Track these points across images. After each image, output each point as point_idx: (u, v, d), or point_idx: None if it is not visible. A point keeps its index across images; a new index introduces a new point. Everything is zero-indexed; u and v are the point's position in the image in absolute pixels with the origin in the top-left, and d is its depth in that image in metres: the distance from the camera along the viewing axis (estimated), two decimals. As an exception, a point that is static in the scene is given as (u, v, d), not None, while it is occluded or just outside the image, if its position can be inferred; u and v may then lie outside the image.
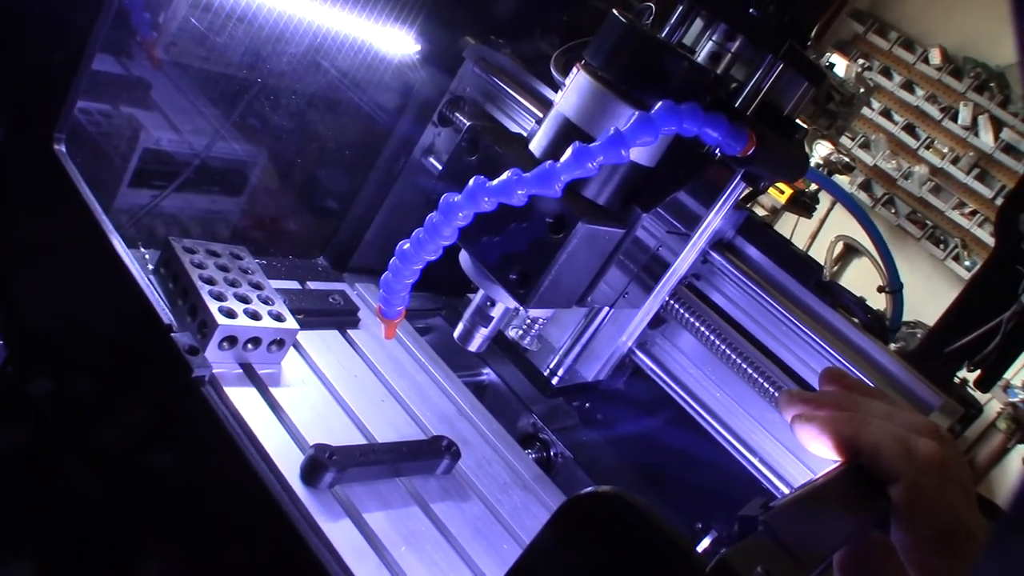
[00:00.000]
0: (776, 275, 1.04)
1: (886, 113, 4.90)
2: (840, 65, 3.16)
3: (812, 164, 3.97)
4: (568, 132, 0.83)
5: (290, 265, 1.25)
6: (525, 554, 0.47)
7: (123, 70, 1.35)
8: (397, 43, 1.21)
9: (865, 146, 4.88)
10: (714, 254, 1.05)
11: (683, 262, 1.01)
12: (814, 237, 4.23)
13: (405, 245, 0.83)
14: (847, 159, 3.69)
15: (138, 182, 1.35)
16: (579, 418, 1.32)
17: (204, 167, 1.39)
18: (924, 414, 0.93)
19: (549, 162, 0.75)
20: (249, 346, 1.00)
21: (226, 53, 1.30)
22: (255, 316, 1.00)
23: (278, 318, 1.02)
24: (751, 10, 0.86)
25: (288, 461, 0.90)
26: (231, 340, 0.98)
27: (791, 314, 1.01)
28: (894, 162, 4.81)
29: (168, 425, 0.85)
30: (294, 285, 1.21)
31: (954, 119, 4.68)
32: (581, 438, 1.31)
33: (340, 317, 1.18)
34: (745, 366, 1.03)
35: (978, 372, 1.03)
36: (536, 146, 0.86)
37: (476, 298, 0.93)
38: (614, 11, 0.83)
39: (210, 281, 1.01)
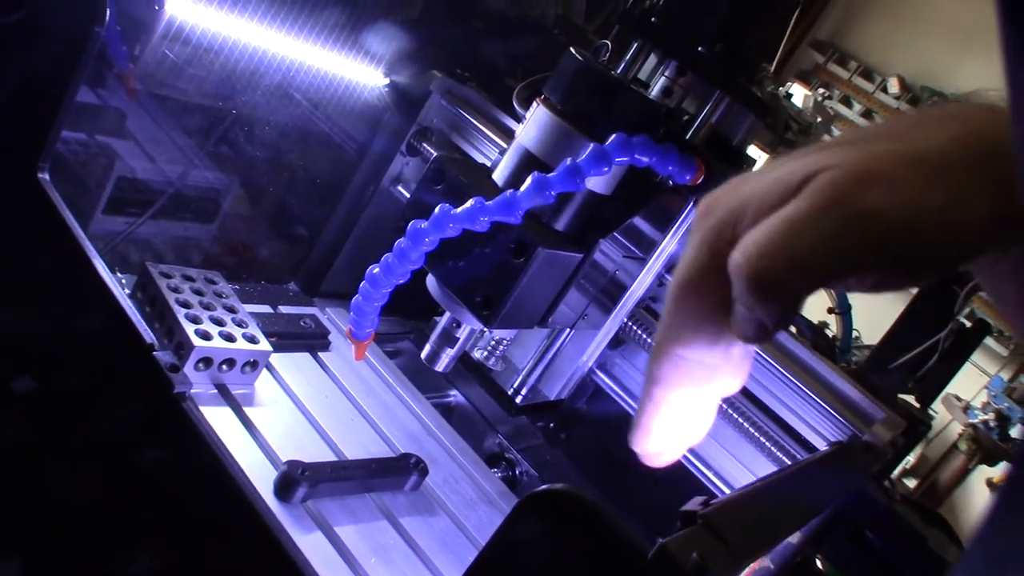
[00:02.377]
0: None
1: (846, 141, 5.00)
2: (799, 94, 3.26)
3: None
4: (528, 163, 0.88)
5: (262, 290, 1.29)
6: (485, 550, 0.51)
7: (99, 100, 1.39)
8: (367, 76, 1.26)
9: (826, 173, 4.98)
10: (669, 277, 1.10)
11: (640, 285, 1.06)
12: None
13: (375, 269, 0.88)
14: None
15: (112, 209, 1.39)
16: (544, 438, 1.36)
17: (177, 195, 1.42)
18: (867, 426, 0.99)
19: (511, 191, 0.80)
20: (224, 367, 1.03)
21: (201, 84, 1.34)
22: (229, 338, 1.04)
23: (252, 340, 1.06)
24: (700, 48, 0.92)
25: (262, 477, 0.94)
26: (206, 361, 1.01)
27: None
28: (855, 189, 4.91)
29: (150, 439, 0.89)
30: (266, 309, 1.25)
31: (912, 147, 4.80)
32: (546, 456, 1.35)
33: (311, 340, 1.22)
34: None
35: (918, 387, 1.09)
36: (499, 176, 0.91)
37: (442, 320, 0.98)
38: (571, 49, 0.89)
39: (186, 304, 1.05)
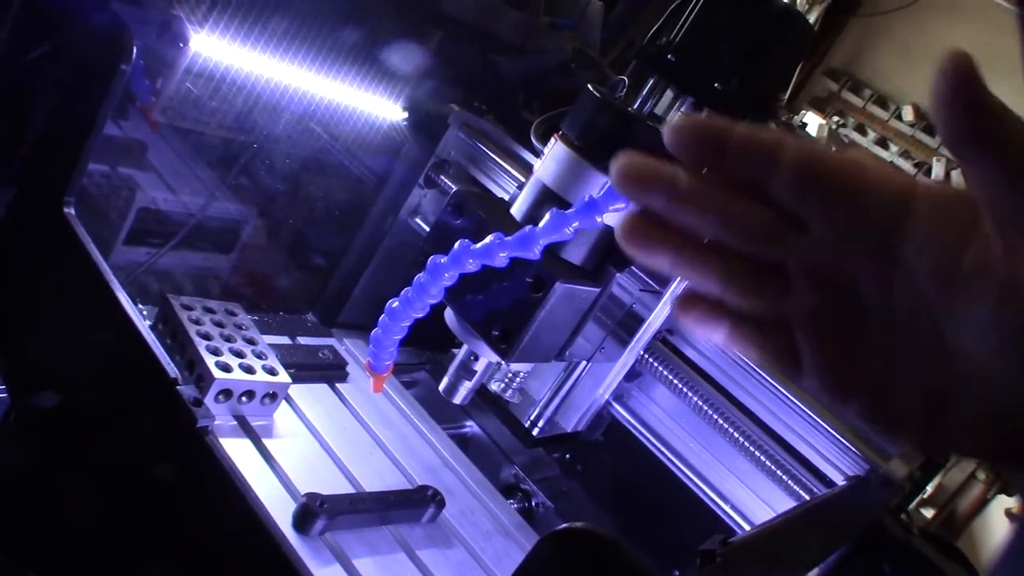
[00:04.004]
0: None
1: (861, 169, 5.01)
2: (813, 123, 3.27)
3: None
4: (546, 198, 0.89)
5: (281, 321, 1.30)
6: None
7: (121, 132, 1.41)
8: (385, 109, 1.27)
9: (842, 200, 4.98)
10: (686, 310, 1.11)
11: (656, 317, 1.06)
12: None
13: (394, 303, 0.89)
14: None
15: (134, 240, 1.41)
16: (560, 469, 1.37)
17: (198, 226, 1.44)
18: (884, 460, 0.98)
19: (529, 227, 0.81)
20: (244, 399, 1.04)
21: (222, 118, 1.36)
22: (249, 370, 1.05)
23: (271, 372, 1.07)
24: (716, 84, 0.93)
25: (281, 509, 0.94)
26: (226, 393, 1.02)
27: (758, 366, 1.06)
28: (870, 216, 4.91)
29: (172, 472, 0.90)
30: (285, 340, 1.26)
31: (928, 174, 4.80)
32: (562, 488, 1.35)
33: (329, 371, 1.23)
34: (716, 416, 1.08)
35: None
36: (517, 210, 0.92)
37: (460, 353, 0.98)
38: (589, 86, 0.90)
39: (206, 336, 1.06)
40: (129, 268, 1.42)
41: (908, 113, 4.94)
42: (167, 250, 1.30)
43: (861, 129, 5.10)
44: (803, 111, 4.31)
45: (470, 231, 0.88)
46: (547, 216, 0.81)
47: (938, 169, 4.76)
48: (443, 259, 0.83)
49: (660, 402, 1.17)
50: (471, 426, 1.39)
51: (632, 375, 1.16)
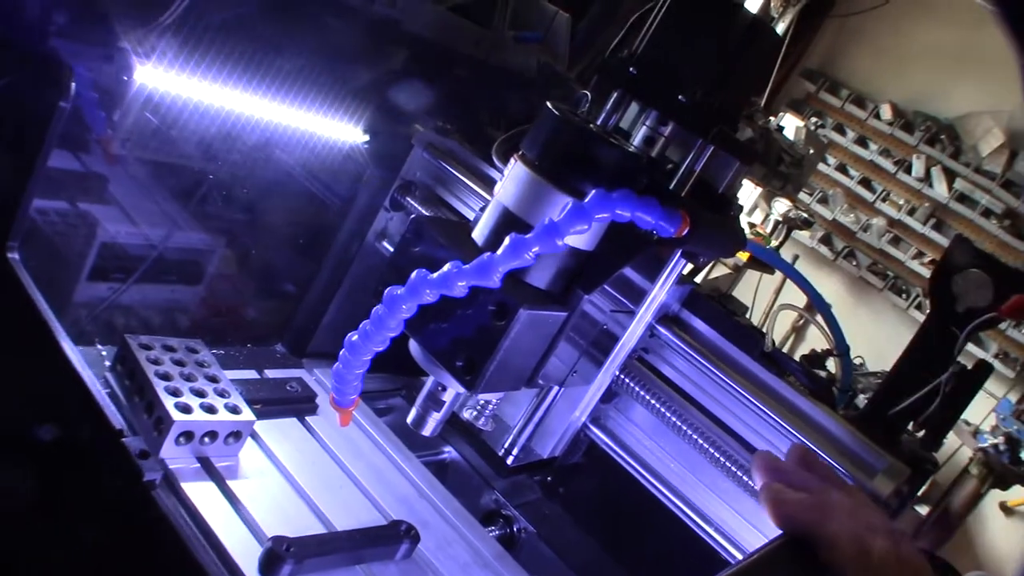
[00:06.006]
0: (722, 346, 1.07)
1: (842, 168, 5.00)
2: (791, 125, 3.23)
3: (772, 221, 4.04)
4: (507, 221, 0.85)
5: (248, 353, 1.27)
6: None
7: (81, 166, 1.38)
8: (347, 133, 1.24)
9: (823, 201, 4.97)
10: (661, 328, 1.08)
11: (631, 337, 1.03)
12: (778, 292, 4.29)
13: (353, 337, 0.85)
14: (806, 215, 3.75)
15: (97, 276, 1.37)
16: (542, 492, 1.33)
17: (161, 259, 1.41)
18: (870, 478, 0.95)
19: (488, 254, 0.78)
20: (206, 440, 1.01)
21: (182, 147, 1.32)
22: (211, 410, 1.01)
23: (234, 410, 1.03)
24: (680, 97, 0.90)
25: (246, 554, 0.91)
26: (187, 435, 0.99)
27: (737, 384, 1.03)
28: (852, 215, 4.90)
29: (120, 530, 0.86)
30: (252, 374, 1.22)
31: (908, 171, 4.79)
32: (544, 512, 1.32)
33: (298, 405, 1.19)
34: (695, 436, 1.05)
35: (923, 432, 1.06)
36: (478, 235, 0.89)
37: (428, 383, 0.95)
38: (548, 103, 0.87)
39: (166, 377, 1.03)
40: (92, 305, 1.38)
41: (886, 111, 4.93)
42: (127, 287, 1.26)
43: (840, 129, 5.09)
44: (781, 113, 4.30)
45: (428, 258, 0.84)
46: (506, 241, 0.78)
47: (918, 166, 4.75)
48: (400, 290, 0.80)
49: (639, 422, 1.14)
50: (449, 452, 1.35)
51: (609, 396, 1.13)
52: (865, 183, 4.95)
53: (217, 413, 1.01)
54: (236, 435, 1.03)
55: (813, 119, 4.69)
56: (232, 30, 1.13)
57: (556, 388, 1.05)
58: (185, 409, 0.99)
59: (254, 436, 1.10)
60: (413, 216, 0.91)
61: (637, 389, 1.08)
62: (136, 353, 1.04)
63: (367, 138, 1.24)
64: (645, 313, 1.03)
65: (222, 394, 1.05)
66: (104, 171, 1.40)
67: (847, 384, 1.29)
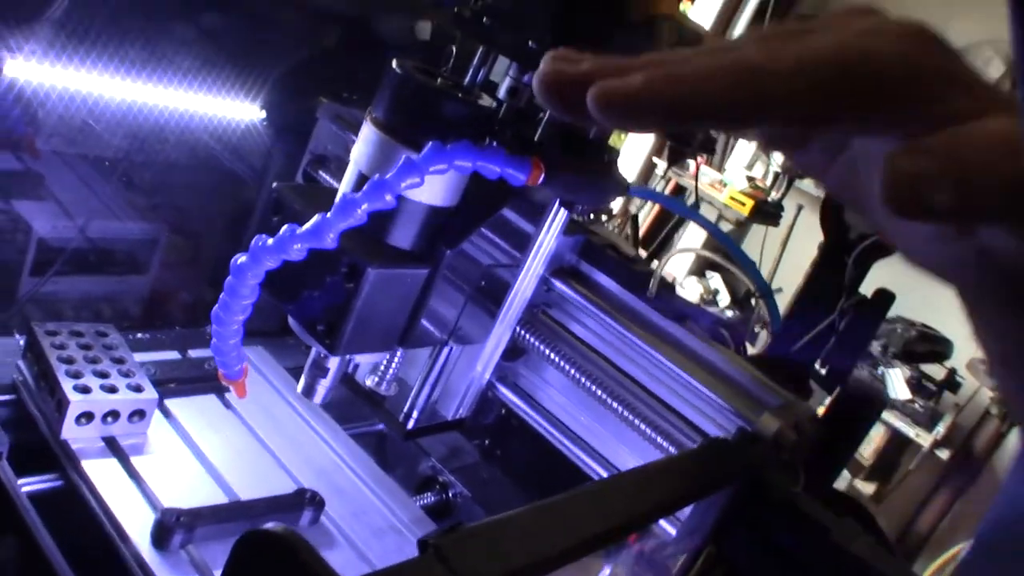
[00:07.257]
0: (620, 295, 1.06)
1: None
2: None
3: (772, 171, 3.98)
4: (360, 182, 0.85)
5: (175, 335, 1.28)
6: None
7: (19, 165, 1.41)
8: (248, 112, 1.25)
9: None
10: (556, 281, 1.07)
11: (519, 291, 1.03)
12: (784, 244, 4.23)
13: (216, 309, 0.86)
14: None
15: (39, 272, 1.41)
16: (479, 455, 1.33)
17: (99, 249, 1.43)
18: (757, 417, 0.94)
19: (321, 215, 0.78)
20: (109, 419, 1.02)
21: (99, 139, 1.34)
22: (112, 390, 1.03)
23: (137, 389, 1.05)
24: (530, 43, 0.89)
25: (141, 526, 0.93)
26: (87, 416, 1.01)
27: (631, 332, 1.02)
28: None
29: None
30: (174, 355, 1.24)
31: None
32: (482, 475, 1.32)
33: (215, 382, 1.20)
34: (596, 388, 1.04)
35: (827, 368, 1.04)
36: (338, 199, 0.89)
37: (312, 351, 0.96)
38: (393, 62, 0.87)
39: (68, 360, 1.04)
40: (37, 299, 1.41)
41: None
42: (43, 283, 1.29)
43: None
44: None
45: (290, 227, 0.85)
46: (336, 201, 0.78)
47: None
48: (242, 258, 0.81)
49: (550, 380, 1.13)
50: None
51: (515, 354, 1.13)
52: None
53: (118, 393, 1.03)
54: (140, 414, 1.05)
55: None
56: (120, 20, 1.14)
57: (453, 349, 1.05)
58: (84, 390, 1.01)
59: (167, 414, 1.12)
60: (275, 185, 0.92)
61: (537, 344, 1.08)
62: (41, 340, 1.06)
63: (263, 116, 1.24)
64: (533, 263, 1.02)
65: (127, 374, 1.06)
66: (39, 168, 1.43)
67: (777, 325, 1.28)
